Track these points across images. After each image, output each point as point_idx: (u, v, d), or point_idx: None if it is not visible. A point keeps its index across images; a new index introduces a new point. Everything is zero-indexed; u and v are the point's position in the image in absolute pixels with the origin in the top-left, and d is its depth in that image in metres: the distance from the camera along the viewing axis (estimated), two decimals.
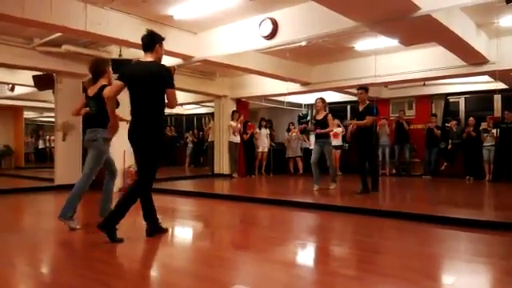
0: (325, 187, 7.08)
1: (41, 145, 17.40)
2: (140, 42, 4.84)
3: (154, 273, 3.03)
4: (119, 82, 3.64)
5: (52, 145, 14.59)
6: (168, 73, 3.65)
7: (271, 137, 11.77)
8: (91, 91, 4.21)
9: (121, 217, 3.57)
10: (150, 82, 3.56)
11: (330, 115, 7.04)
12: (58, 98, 8.19)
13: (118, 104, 3.94)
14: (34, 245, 3.72)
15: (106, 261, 3.21)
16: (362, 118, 6.50)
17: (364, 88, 6.66)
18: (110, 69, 4.35)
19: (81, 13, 5.36)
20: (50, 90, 8.49)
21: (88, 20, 5.41)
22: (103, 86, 4.06)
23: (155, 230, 3.85)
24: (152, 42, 3.67)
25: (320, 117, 6.99)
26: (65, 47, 7.06)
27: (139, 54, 7.11)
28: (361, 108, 6.59)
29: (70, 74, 8.08)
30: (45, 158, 16.25)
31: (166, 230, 3.96)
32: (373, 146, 6.62)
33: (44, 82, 8.29)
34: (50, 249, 3.74)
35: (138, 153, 3.71)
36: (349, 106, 12.09)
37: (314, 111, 7.28)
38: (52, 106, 9.07)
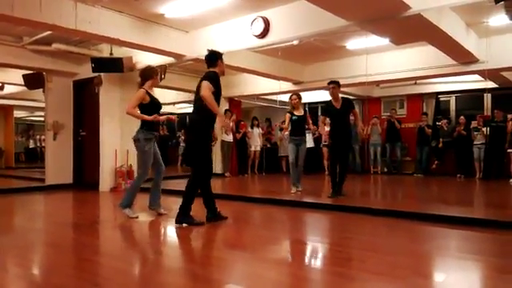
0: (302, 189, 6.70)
1: (31, 144, 17.26)
2: (131, 41, 5.05)
3: (146, 272, 3.02)
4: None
5: (43, 144, 14.46)
6: (211, 73, 4.18)
7: (269, 136, 11.77)
8: None
9: (189, 207, 4.13)
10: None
11: (308, 114, 6.66)
12: (49, 97, 8.13)
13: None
14: (25, 245, 3.68)
15: (97, 261, 3.20)
16: (344, 115, 6.06)
17: (336, 82, 6.10)
18: (158, 77, 4.95)
19: (71, 11, 5.31)
20: (41, 89, 8.41)
21: (78, 18, 5.35)
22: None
23: (214, 217, 4.34)
24: (214, 58, 4.28)
25: (300, 112, 6.51)
26: (55, 46, 6.99)
27: (130, 53, 7.14)
28: (337, 105, 6.03)
29: (61, 73, 8.02)
30: (35, 157, 16.12)
31: (225, 218, 4.44)
32: (350, 145, 6.27)
33: (34, 80, 8.21)
34: (42, 249, 3.71)
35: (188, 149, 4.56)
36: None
37: (290, 107, 6.61)
38: (42, 105, 9.00)
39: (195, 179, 4.19)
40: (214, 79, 4.12)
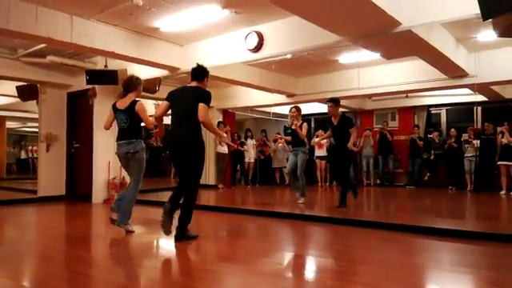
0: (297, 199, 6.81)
1: (23, 155, 17.12)
2: (126, 54, 5.03)
3: (138, 286, 3.01)
4: (166, 102, 4.20)
5: (35, 155, 14.37)
6: (207, 93, 4.12)
7: (263, 148, 11.79)
8: (121, 104, 4.53)
9: (187, 222, 4.07)
10: (193, 101, 4.02)
11: (304, 123, 6.78)
12: (42, 109, 8.12)
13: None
14: (16, 258, 3.66)
15: (89, 274, 3.19)
16: (339, 131, 6.22)
17: (333, 100, 6.28)
18: (141, 88, 4.75)
19: (67, 24, 5.36)
20: (34, 101, 8.41)
21: (74, 32, 5.40)
22: (135, 101, 4.49)
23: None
24: (203, 74, 4.25)
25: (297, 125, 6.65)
26: (49, 58, 7.01)
27: (125, 66, 7.18)
28: (335, 121, 6.27)
29: (55, 85, 8.04)
30: (27, 168, 15.99)
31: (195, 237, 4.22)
32: (348, 159, 6.35)
33: (28, 92, 8.21)
34: (33, 262, 3.69)
35: (178, 166, 4.25)
36: (333, 118, 12.20)
37: (289, 120, 6.88)
38: (35, 116, 8.97)
39: (191, 195, 4.11)
40: (210, 97, 4.09)
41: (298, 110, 6.85)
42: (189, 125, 4.04)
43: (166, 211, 4.02)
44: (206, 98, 4.06)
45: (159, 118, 4.31)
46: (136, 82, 4.67)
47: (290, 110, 6.87)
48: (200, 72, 4.26)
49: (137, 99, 4.54)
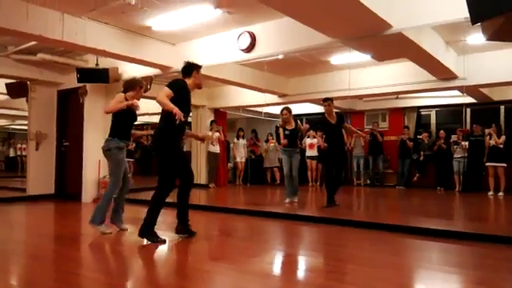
0: (297, 200, 6.91)
1: (11, 153, 16.91)
2: (117, 52, 5.03)
3: (128, 285, 3.01)
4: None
5: (23, 153, 14.20)
6: (176, 80, 4.08)
7: (254, 148, 11.80)
8: None
9: (153, 223, 4.00)
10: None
11: (299, 122, 6.90)
12: (32, 107, 8.05)
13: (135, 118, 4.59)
14: (4, 257, 3.64)
15: (78, 273, 3.18)
16: (338, 130, 6.39)
17: (330, 99, 6.46)
18: (142, 91, 4.71)
19: (58, 22, 5.32)
20: (23, 98, 8.32)
21: (65, 29, 5.37)
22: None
23: (183, 231, 4.21)
24: (190, 70, 4.18)
25: (291, 126, 6.78)
26: (40, 55, 6.95)
27: (116, 64, 7.15)
28: (332, 120, 6.36)
29: (45, 83, 7.97)
30: (16, 167, 15.79)
31: (194, 233, 4.26)
32: (346, 157, 6.62)
33: (17, 89, 8.12)
34: (22, 261, 3.67)
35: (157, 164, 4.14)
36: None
37: (281, 121, 6.92)
38: (25, 113, 8.89)
39: (159, 191, 4.05)
40: (177, 86, 3.96)
41: (290, 111, 6.89)
42: (159, 123, 4.05)
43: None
44: (172, 82, 3.99)
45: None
46: (134, 82, 4.63)
47: (282, 112, 6.87)
48: (184, 69, 4.22)
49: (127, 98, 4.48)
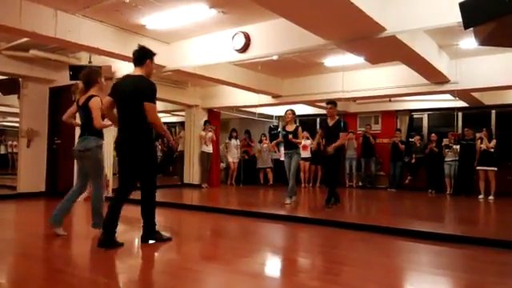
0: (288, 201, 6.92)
1: (2, 150, 16.74)
2: (111, 50, 4.86)
3: (119, 285, 3.00)
4: (108, 98, 3.81)
5: (14, 150, 14.06)
6: (149, 87, 3.69)
7: (247, 149, 11.80)
8: (81, 100, 4.25)
9: (153, 222, 3.92)
10: (133, 96, 3.64)
11: (300, 128, 7.02)
12: (23, 104, 7.98)
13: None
14: None
15: (69, 272, 3.16)
16: (333, 133, 6.44)
17: (333, 102, 6.61)
18: (103, 80, 4.40)
19: (51, 19, 5.28)
20: (15, 95, 8.24)
21: (58, 27, 5.33)
22: (91, 96, 4.15)
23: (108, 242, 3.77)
24: (143, 56, 3.77)
25: (291, 128, 6.90)
26: (32, 52, 6.90)
27: (109, 62, 7.11)
28: (330, 123, 6.52)
29: (37, 80, 7.90)
30: (6, 164, 15.63)
31: (120, 245, 3.83)
32: (339, 160, 6.68)
33: (9, 86, 8.06)
34: (12, 259, 3.63)
35: (121, 165, 3.85)
36: (318, 119, 12.35)
37: (284, 122, 7.15)
38: (15, 110, 8.80)
39: (150, 192, 3.93)
40: (155, 93, 3.70)
41: (294, 113, 7.04)
42: (131, 123, 3.69)
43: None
44: (150, 94, 3.64)
45: (109, 116, 3.96)
46: (95, 75, 4.31)
47: (286, 113, 7.03)
48: (138, 55, 3.79)
49: (93, 95, 4.16)
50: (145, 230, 3.94)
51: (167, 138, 4.13)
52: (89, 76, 4.27)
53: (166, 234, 4.07)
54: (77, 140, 4.34)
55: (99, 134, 4.24)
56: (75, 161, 4.41)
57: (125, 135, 3.75)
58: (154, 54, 3.85)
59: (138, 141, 3.70)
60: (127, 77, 3.86)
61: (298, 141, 6.91)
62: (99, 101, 4.09)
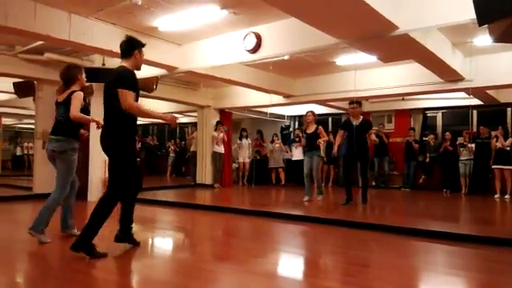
0: (312, 199, 7.26)
1: (18, 152, 17.06)
2: None
3: (134, 284, 3.03)
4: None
5: (30, 152, 14.30)
6: (122, 72, 3.42)
7: (260, 149, 11.81)
8: (61, 97, 4.06)
9: (96, 231, 3.39)
10: (109, 88, 3.40)
11: (321, 127, 7.12)
12: (39, 106, 8.10)
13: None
14: (10, 256, 3.66)
15: (85, 272, 3.19)
16: (361, 133, 6.64)
17: (357, 102, 6.75)
18: (83, 76, 4.17)
19: (65, 22, 5.36)
20: (31, 98, 8.38)
21: (72, 30, 5.41)
22: (73, 91, 3.96)
23: (125, 239, 3.79)
24: (130, 47, 3.53)
25: (311, 130, 7.08)
26: (47, 55, 7.01)
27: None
28: (356, 122, 6.68)
29: (52, 82, 7.96)
30: (22, 165, 15.92)
31: (137, 243, 3.82)
32: (368, 159, 6.93)
33: (24, 89, 8.19)
34: (28, 260, 3.70)
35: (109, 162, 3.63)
36: (330, 119, 12.30)
37: (304, 124, 7.33)
38: (31, 112, 8.94)
39: (106, 197, 3.52)
40: (131, 80, 3.39)
41: (314, 114, 7.23)
42: (108, 119, 3.46)
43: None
44: (123, 79, 3.34)
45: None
46: (75, 72, 4.07)
47: (306, 115, 7.24)
48: (125, 46, 3.54)
49: (75, 90, 3.98)
50: (79, 239, 3.38)
51: (164, 120, 3.71)
52: (68, 73, 4.07)
53: (100, 252, 3.44)
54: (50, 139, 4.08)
55: (74, 136, 4.03)
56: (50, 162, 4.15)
57: (102, 131, 3.56)
58: (143, 45, 3.59)
59: (111, 136, 3.45)
60: (111, 69, 3.68)
61: (325, 138, 7.17)
62: (82, 95, 3.96)
